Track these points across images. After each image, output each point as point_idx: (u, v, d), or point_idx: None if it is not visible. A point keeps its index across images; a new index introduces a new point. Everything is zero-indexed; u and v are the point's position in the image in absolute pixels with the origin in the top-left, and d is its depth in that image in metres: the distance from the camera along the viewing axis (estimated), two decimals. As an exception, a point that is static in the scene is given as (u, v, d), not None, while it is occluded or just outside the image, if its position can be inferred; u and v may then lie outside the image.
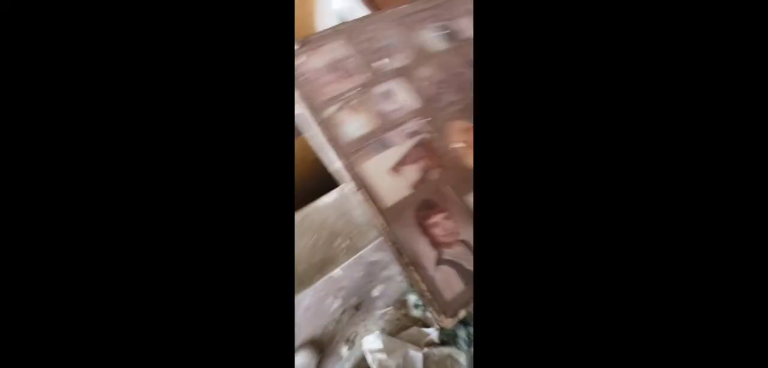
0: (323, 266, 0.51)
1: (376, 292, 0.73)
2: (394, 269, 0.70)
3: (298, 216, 0.54)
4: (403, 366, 0.66)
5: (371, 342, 0.69)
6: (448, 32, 0.65)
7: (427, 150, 0.55)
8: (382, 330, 0.70)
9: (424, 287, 0.46)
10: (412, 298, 0.72)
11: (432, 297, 0.46)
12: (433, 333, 0.68)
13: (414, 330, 0.69)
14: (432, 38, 0.64)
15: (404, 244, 0.48)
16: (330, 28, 0.63)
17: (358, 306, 0.74)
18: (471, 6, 0.68)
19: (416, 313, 0.71)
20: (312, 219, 0.54)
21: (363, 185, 0.51)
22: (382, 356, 0.67)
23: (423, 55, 0.62)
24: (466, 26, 0.67)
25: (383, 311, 0.72)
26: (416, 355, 0.66)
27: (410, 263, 0.47)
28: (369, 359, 0.68)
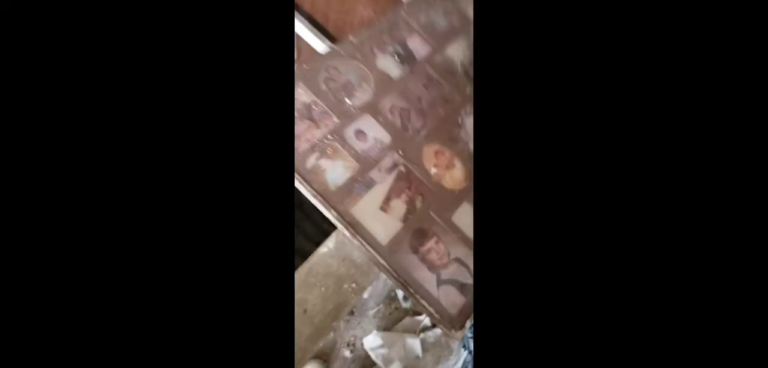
0: (337, 313, 0.57)
1: (365, 294, 0.80)
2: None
3: (304, 268, 0.57)
4: (404, 354, 0.76)
5: (371, 341, 0.77)
6: (402, 56, 0.69)
7: (407, 181, 0.60)
8: (378, 328, 0.79)
9: (431, 310, 0.54)
10: (401, 292, 0.81)
11: (440, 316, 0.54)
12: (425, 319, 0.78)
13: (407, 320, 0.79)
14: (388, 65, 0.67)
15: (407, 276, 0.55)
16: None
17: (352, 312, 0.81)
18: (415, 23, 0.72)
19: (406, 305, 0.80)
20: (317, 270, 0.58)
21: (359, 232, 0.56)
22: (384, 350, 0.76)
23: (383, 86, 0.66)
24: (418, 46, 0.70)
25: (375, 310, 0.80)
26: (414, 341, 0.76)
27: (416, 291, 0.55)
28: (372, 356, 0.77)
